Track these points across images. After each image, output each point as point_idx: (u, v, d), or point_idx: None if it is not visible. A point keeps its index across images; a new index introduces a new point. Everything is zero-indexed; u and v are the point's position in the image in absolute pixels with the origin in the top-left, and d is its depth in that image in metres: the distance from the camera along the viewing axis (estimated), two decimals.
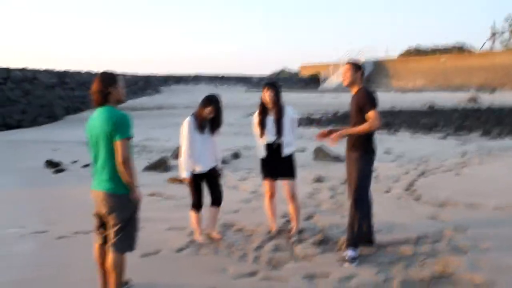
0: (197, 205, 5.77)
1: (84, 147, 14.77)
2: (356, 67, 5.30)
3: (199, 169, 5.63)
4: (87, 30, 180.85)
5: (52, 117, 26.19)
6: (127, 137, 3.99)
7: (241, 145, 14.33)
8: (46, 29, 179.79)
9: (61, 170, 10.83)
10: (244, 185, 8.70)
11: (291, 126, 5.87)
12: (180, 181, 9.33)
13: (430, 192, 8.14)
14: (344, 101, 39.38)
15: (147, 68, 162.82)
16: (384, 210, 6.97)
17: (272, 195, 6.02)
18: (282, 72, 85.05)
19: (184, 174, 5.60)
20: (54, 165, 11.25)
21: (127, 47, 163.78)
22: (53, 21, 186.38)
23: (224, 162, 11.16)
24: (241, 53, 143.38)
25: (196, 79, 57.16)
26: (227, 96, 43.43)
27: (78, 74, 37.44)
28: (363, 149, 5.20)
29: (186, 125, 5.63)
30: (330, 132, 5.36)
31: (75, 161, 11.93)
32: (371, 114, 5.06)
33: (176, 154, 11.94)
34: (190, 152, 5.61)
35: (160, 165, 10.61)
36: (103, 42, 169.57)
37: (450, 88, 45.52)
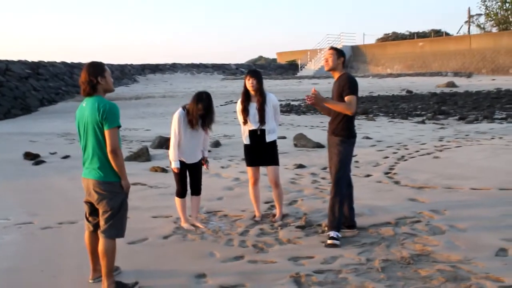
0: (181, 193, 5.94)
1: (62, 139, 14.73)
2: (339, 52, 5.46)
3: (185, 160, 5.79)
4: (61, 20, 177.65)
5: (26, 109, 25.88)
6: (116, 126, 4.11)
7: (221, 134, 14.47)
8: (18, 20, 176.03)
9: (41, 162, 10.84)
10: (226, 173, 8.87)
11: (273, 113, 6.02)
12: (163, 169, 9.44)
13: (409, 175, 8.41)
14: (324, 87, 39.55)
15: (122, 58, 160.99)
16: (365, 194, 7.21)
17: (255, 181, 6.19)
18: (259, 59, 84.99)
19: (173, 164, 5.73)
20: (33, 157, 11.25)
21: (101, 36, 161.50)
22: (25, 11, 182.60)
23: None
24: (218, 42, 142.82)
25: (173, 68, 56.82)
26: (204, 84, 43.41)
27: (52, 64, 36.98)
28: (344, 134, 5.38)
29: (176, 117, 5.75)
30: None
31: (53, 153, 11.93)
32: (348, 99, 5.23)
33: (157, 143, 12.05)
34: (177, 144, 5.74)
35: (141, 155, 10.69)
36: (76, 32, 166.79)
37: (428, 73, 46.11)
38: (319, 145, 11.70)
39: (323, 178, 8.49)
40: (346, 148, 5.39)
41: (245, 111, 5.96)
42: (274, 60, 75.33)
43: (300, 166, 9.50)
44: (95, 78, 4.16)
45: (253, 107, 5.96)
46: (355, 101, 5.25)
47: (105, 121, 4.07)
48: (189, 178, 5.94)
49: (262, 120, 5.92)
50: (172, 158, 5.75)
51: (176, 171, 5.77)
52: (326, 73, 55.57)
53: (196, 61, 61.91)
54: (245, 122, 6.01)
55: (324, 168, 9.32)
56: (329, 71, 5.54)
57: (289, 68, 64.16)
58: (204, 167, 6.08)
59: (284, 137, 13.14)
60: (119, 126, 4.13)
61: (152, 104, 28.55)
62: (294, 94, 31.74)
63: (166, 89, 41.50)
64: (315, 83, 44.50)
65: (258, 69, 6.35)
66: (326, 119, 18.63)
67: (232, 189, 7.92)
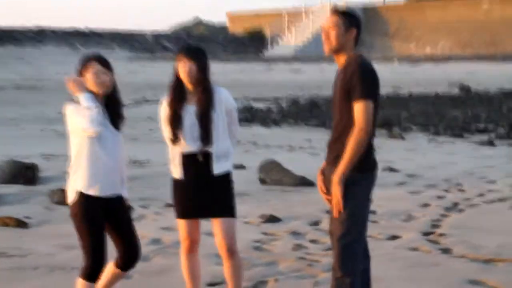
0: (95, 268, 5.74)
1: None
2: (348, 20, 5.50)
3: (96, 192, 5.73)
4: None
5: None
6: None
7: (127, 158, 14.40)
8: None
9: None
10: (139, 229, 8.78)
11: (227, 124, 6.05)
12: (20, 222, 9.29)
13: (469, 238, 8.51)
14: (311, 78, 40.13)
15: None
16: (389, 272, 7.24)
17: (192, 246, 6.17)
18: (195, 25, 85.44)
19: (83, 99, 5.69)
20: None
21: None
22: None
23: None
24: None
25: (38, 37, 56.47)
26: None
27: None
28: (355, 167, 5.41)
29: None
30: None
31: None
32: (359, 107, 5.26)
33: (8, 174, 11.92)
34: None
35: None
36: None
37: (499, 57, 47.21)
38: (305, 181, 11.73)
39: (312, 241, 8.49)
40: (359, 192, 5.42)
41: (176, 120, 5.94)
42: (223, 28, 75.89)
43: (272, 218, 9.51)
44: None
45: (190, 112, 5.95)
46: (371, 111, 5.29)
47: None
48: (115, 232, 5.89)
49: (206, 136, 5.91)
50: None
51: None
52: (317, 53, 56.37)
53: (81, 25, 61.76)
54: (174, 139, 5.98)
55: (315, 223, 9.34)
56: (331, 53, 5.60)
57: (250, 43, 64.76)
58: None
59: (241, 166, 13.17)
60: None
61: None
62: (260, 90, 32.04)
63: (25, 75, 41.13)
64: (295, 70, 45.00)
65: (198, 45, 6.36)
66: (318, 134, 18.82)
67: (148, 259, 7.89)
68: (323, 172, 5.64)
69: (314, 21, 61.15)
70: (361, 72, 5.34)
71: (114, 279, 6.01)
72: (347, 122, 5.40)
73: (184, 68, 5.92)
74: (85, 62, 5.78)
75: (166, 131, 6.09)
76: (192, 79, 5.93)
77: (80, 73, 5.78)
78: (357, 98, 5.26)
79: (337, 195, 5.30)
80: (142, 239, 8.47)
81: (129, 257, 5.93)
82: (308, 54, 56.51)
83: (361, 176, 5.42)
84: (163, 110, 6.07)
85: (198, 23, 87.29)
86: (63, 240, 8.51)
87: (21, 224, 9.35)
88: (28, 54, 51.07)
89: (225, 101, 6.05)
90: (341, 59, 5.53)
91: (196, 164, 5.98)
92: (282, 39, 62.30)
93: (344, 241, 5.37)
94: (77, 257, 7.47)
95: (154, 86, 34.72)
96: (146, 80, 36.96)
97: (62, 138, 17.04)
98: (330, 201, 5.47)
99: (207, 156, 5.97)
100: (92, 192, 5.70)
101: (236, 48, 62.00)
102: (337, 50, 5.51)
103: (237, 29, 67.94)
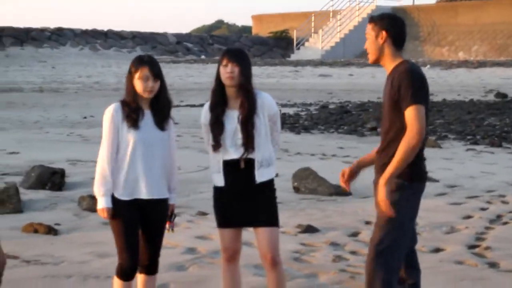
0: (127, 267, 5.86)
1: None
2: (379, 24, 5.47)
3: (132, 195, 5.82)
4: None
5: None
6: None
7: None
8: None
9: None
10: (171, 239, 8.80)
11: (269, 129, 6.06)
12: (50, 229, 9.34)
13: None
14: (340, 82, 40.05)
15: None
16: (435, 285, 7.22)
17: (233, 256, 6.18)
18: (218, 26, 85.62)
19: (100, 202, 5.74)
20: None
21: None
22: None
23: None
24: None
25: (58, 37, 56.79)
26: (117, 69, 43.49)
27: None
28: (403, 174, 5.41)
29: (108, 114, 5.81)
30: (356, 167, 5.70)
31: None
32: (410, 113, 5.26)
33: (34, 179, 11.98)
34: (109, 162, 5.78)
35: (4, 201, 10.59)
36: None
37: None
38: (341, 191, 11.70)
39: (353, 253, 8.49)
40: (403, 200, 5.43)
41: (218, 126, 5.94)
42: (247, 28, 76.07)
43: (309, 229, 9.50)
44: None
45: (233, 117, 5.96)
46: (424, 115, 5.29)
47: None
48: (144, 237, 5.96)
49: (248, 143, 5.92)
50: (99, 190, 5.73)
51: (105, 216, 5.75)
52: (345, 57, 56.26)
53: (101, 26, 62.02)
54: (216, 146, 5.98)
55: (354, 234, 9.32)
56: (373, 63, 5.63)
57: (276, 46, 64.80)
58: (166, 226, 6.07)
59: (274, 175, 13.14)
60: None
61: (19, 104, 28.33)
62: (286, 94, 32.04)
63: (45, 76, 41.34)
64: (324, 75, 45.02)
65: (240, 48, 6.39)
66: (351, 142, 18.79)
67: (185, 268, 7.92)
68: (353, 170, 5.74)
69: (341, 23, 61.17)
70: (409, 78, 5.34)
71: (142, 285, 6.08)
72: (396, 131, 5.41)
73: (227, 70, 5.92)
74: (138, 64, 5.86)
75: (205, 136, 6.12)
76: (235, 82, 5.94)
77: (131, 72, 5.87)
78: (408, 104, 5.26)
79: (382, 196, 5.30)
80: (176, 248, 8.64)
81: (149, 261, 6.02)
82: (335, 57, 56.53)
83: (408, 185, 5.43)
84: (204, 114, 6.09)
85: (221, 24, 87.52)
86: (95, 247, 8.60)
87: (51, 231, 9.39)
88: (48, 55, 51.34)
89: (268, 107, 6.06)
90: (387, 66, 5.55)
91: (238, 171, 5.99)
92: (308, 42, 62.27)
93: (380, 248, 5.38)
94: (111, 264, 7.61)
95: (178, 89, 34.76)
96: (169, 83, 36.79)
97: (88, 143, 17.25)
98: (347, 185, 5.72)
99: (249, 163, 5.98)
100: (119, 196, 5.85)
101: (260, 50, 61.97)
102: (375, 59, 5.53)
103: (262, 31, 67.94)
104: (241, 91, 5.97)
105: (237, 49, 6.22)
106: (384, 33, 5.44)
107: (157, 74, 5.87)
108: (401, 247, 5.49)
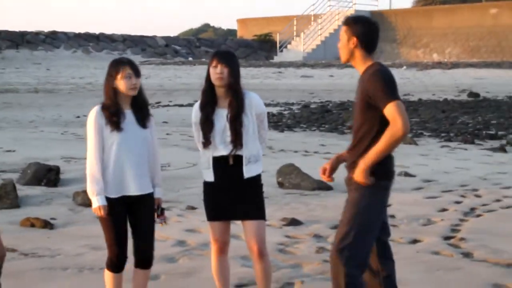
0: (117, 260, 5.93)
1: None
2: (351, 28, 5.46)
3: (119, 192, 5.87)
4: None
5: None
6: None
7: None
8: None
9: None
10: (162, 232, 8.81)
11: (257, 128, 6.08)
12: (46, 223, 9.34)
13: (489, 242, 8.50)
14: (321, 83, 40.07)
15: None
16: (411, 275, 7.25)
17: (223, 248, 6.21)
18: (204, 29, 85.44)
19: (95, 201, 5.79)
20: None
21: None
22: None
23: None
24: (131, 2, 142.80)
25: (52, 40, 56.62)
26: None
27: None
28: (373, 172, 5.39)
29: (91, 118, 5.84)
30: (336, 163, 5.66)
31: None
32: (390, 110, 5.23)
33: (31, 176, 11.96)
34: (98, 165, 5.81)
35: (2, 196, 10.57)
36: None
37: (507, 64, 47.00)
38: (323, 186, 11.74)
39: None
40: (370, 197, 5.40)
41: (208, 124, 5.97)
42: (233, 32, 76.00)
43: (293, 222, 9.53)
44: None
45: (222, 116, 5.98)
46: (404, 109, 5.28)
47: None
48: (132, 230, 5.99)
49: (237, 139, 5.94)
50: (92, 191, 5.78)
51: (101, 214, 5.77)
52: (325, 59, 56.34)
53: (94, 30, 61.90)
54: (206, 143, 6.01)
55: (336, 227, 9.32)
56: (345, 62, 5.67)
57: (260, 48, 64.83)
58: (156, 220, 6.08)
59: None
60: None
61: (15, 104, 28.23)
62: (270, 94, 31.97)
63: (40, 78, 41.16)
64: (306, 76, 45.02)
65: (229, 50, 6.40)
66: (332, 139, 18.82)
67: (175, 260, 7.93)
68: (333, 165, 5.68)
69: (322, 26, 61.30)
70: (380, 79, 5.32)
71: (138, 281, 6.10)
72: (366, 130, 5.41)
73: (216, 72, 5.94)
74: (119, 66, 5.88)
75: (196, 134, 6.16)
76: (224, 83, 5.96)
77: (112, 75, 5.87)
78: (386, 102, 5.22)
79: (360, 177, 5.30)
80: (166, 241, 8.67)
81: (141, 255, 6.04)
82: (316, 59, 56.59)
83: (377, 183, 5.39)
84: (195, 114, 6.12)
85: (207, 27, 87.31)
86: (89, 241, 8.58)
87: (47, 225, 9.40)
88: (42, 57, 51.16)
89: (256, 106, 6.10)
90: (358, 68, 5.55)
91: (227, 167, 6.03)
92: (290, 44, 62.30)
93: (342, 244, 5.37)
94: (105, 257, 7.60)
95: (167, 90, 34.72)
96: (159, 84, 36.89)
97: (82, 142, 17.13)
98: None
99: (237, 160, 6.01)
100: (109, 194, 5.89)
101: (245, 52, 61.96)
102: (346, 60, 5.56)
103: (247, 34, 67.95)
104: (230, 91, 6.00)
105: (227, 51, 6.25)
106: (354, 39, 5.42)
107: (138, 72, 5.92)
108: (366, 243, 5.46)
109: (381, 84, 5.27)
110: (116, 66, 5.90)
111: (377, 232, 5.52)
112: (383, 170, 5.39)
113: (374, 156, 5.26)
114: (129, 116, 5.88)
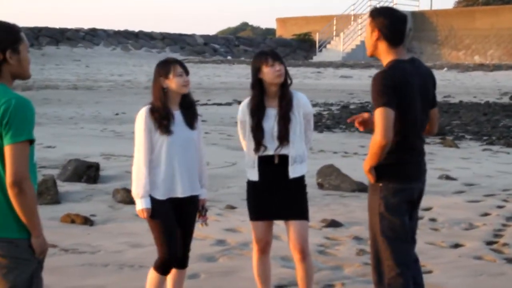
0: (166, 262, 5.89)
1: None
2: (373, 22, 5.36)
3: (168, 194, 5.89)
4: None
5: None
6: (25, 140, 4.12)
7: None
8: None
9: None
10: (202, 231, 8.82)
11: (303, 128, 6.10)
12: (86, 219, 9.42)
13: None
14: (360, 83, 39.89)
15: None
16: (453, 279, 7.21)
17: (265, 247, 6.22)
18: (242, 28, 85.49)
19: (138, 204, 5.80)
20: None
21: None
22: None
23: None
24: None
25: (91, 37, 57.07)
26: (148, 69, 43.52)
27: None
28: (381, 175, 5.32)
29: (140, 118, 5.85)
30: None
31: None
32: (375, 116, 5.12)
33: (71, 172, 12.06)
34: (146, 166, 5.84)
35: (43, 192, 10.65)
36: None
37: None
38: (363, 187, 11.68)
39: None
40: (385, 206, 5.34)
41: (260, 130, 5.98)
42: (271, 31, 76.02)
43: (333, 223, 9.52)
44: (1, 52, 4.16)
45: (270, 116, 5.99)
46: (388, 118, 5.14)
47: (6, 130, 4.08)
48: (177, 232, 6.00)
49: (283, 138, 5.95)
50: (137, 192, 5.80)
51: (144, 216, 5.80)
52: (365, 59, 56.16)
53: (133, 27, 62.27)
54: (258, 149, 6.00)
55: None
56: (371, 56, 5.62)
57: (299, 47, 64.75)
58: (198, 220, 6.12)
59: None
60: (31, 141, 4.17)
61: (54, 101, 28.53)
62: (309, 94, 31.81)
63: (79, 74, 41.51)
64: (345, 76, 44.90)
65: (274, 50, 6.43)
66: (369, 141, 18.70)
67: (215, 259, 7.96)
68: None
69: (362, 27, 61.13)
70: (376, 81, 5.24)
71: (174, 282, 6.10)
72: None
73: (276, 70, 5.95)
74: (169, 65, 5.90)
75: (242, 134, 6.20)
76: (283, 79, 6.01)
77: (162, 75, 5.88)
78: (375, 106, 5.20)
79: (367, 176, 5.38)
80: (206, 240, 8.69)
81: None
82: (356, 59, 56.42)
83: (388, 187, 5.30)
84: (242, 113, 6.15)
85: (246, 26, 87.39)
86: (129, 238, 8.68)
87: (87, 221, 9.49)
88: (82, 54, 51.58)
89: (304, 106, 6.14)
90: (383, 61, 5.44)
91: (273, 166, 6.03)
92: (330, 44, 62.21)
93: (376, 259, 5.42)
94: (145, 254, 7.66)
95: (205, 88, 34.84)
96: (197, 82, 36.96)
97: (121, 139, 17.35)
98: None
99: (283, 159, 6.02)
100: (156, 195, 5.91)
101: (284, 51, 61.87)
102: (371, 53, 5.48)
103: (286, 33, 67.94)
104: (283, 89, 6.04)
105: (273, 50, 6.28)
106: (377, 31, 5.31)
107: (187, 70, 5.97)
108: (401, 240, 5.40)
109: (376, 88, 5.20)
110: (166, 65, 5.92)
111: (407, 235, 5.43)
112: (396, 171, 5.32)
113: (369, 160, 5.30)
114: (178, 117, 5.91)
